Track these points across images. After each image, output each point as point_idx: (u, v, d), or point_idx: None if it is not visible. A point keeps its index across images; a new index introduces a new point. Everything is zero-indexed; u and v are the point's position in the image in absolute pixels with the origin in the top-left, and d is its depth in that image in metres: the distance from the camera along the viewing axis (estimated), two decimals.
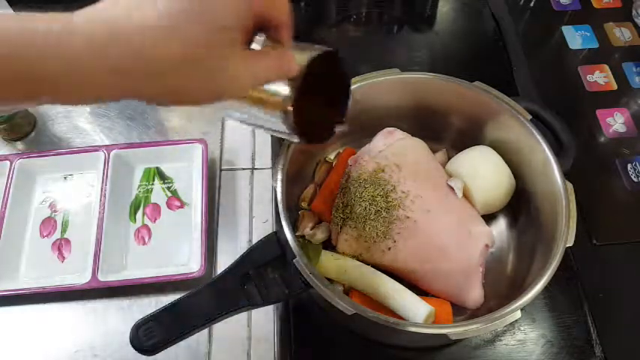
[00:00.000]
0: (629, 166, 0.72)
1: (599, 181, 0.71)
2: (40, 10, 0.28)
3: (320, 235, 0.62)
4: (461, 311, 0.59)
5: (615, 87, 0.80)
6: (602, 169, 0.72)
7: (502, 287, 0.61)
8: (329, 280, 0.56)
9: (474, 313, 0.58)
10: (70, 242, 0.67)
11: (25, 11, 0.28)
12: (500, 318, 0.48)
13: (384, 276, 0.57)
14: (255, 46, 0.34)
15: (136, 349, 0.48)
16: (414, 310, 0.55)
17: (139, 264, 0.65)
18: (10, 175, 0.68)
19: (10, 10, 0.77)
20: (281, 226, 0.52)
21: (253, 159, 0.75)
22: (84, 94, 0.29)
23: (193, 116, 0.77)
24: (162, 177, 0.71)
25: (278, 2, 0.34)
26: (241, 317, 0.62)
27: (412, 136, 0.63)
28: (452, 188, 0.60)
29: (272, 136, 0.76)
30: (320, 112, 0.43)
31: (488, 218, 0.65)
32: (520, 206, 0.64)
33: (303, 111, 0.36)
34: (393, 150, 0.60)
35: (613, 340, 0.61)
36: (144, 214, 0.69)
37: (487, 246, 0.57)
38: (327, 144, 0.69)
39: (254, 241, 0.67)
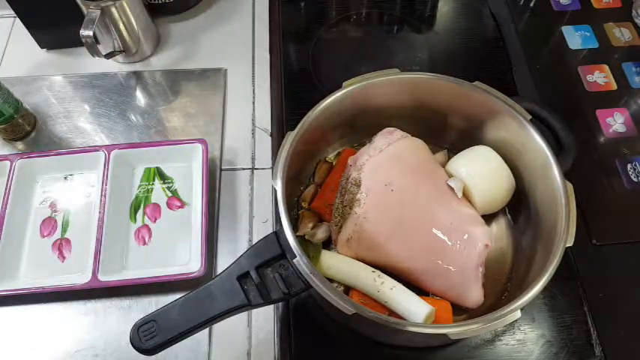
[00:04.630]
0: (629, 166, 0.73)
1: (599, 181, 0.71)
2: None
3: (320, 235, 0.62)
4: (461, 311, 0.59)
5: (615, 87, 0.80)
6: (602, 169, 0.72)
7: (502, 287, 0.61)
8: (329, 280, 0.56)
9: (474, 313, 0.58)
10: (70, 242, 0.67)
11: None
12: (500, 318, 0.48)
13: (385, 276, 0.58)
14: None
15: (136, 349, 0.49)
16: (414, 310, 0.55)
17: (139, 264, 0.65)
18: (11, 175, 0.68)
19: (10, 10, 0.77)
20: (281, 226, 0.52)
21: (253, 159, 0.75)
22: None
23: (193, 116, 0.78)
24: (163, 177, 0.71)
25: None
26: (241, 317, 0.62)
27: (412, 136, 0.63)
28: (452, 188, 0.60)
29: (272, 135, 0.76)
30: None
31: (488, 218, 0.65)
32: (520, 206, 0.64)
33: None
34: (393, 150, 0.60)
35: (613, 340, 0.61)
36: (144, 214, 0.69)
37: (487, 246, 0.57)
38: (326, 144, 0.69)
39: (254, 241, 0.67)
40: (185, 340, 0.50)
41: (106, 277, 0.61)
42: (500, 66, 0.83)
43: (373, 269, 0.58)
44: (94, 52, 0.73)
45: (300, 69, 0.83)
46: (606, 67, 0.82)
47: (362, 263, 0.59)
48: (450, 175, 0.63)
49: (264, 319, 0.63)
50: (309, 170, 0.69)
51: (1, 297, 0.61)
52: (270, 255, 0.52)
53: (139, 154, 0.71)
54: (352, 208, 0.57)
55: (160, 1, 0.84)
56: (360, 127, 0.68)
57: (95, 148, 0.70)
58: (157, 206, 0.69)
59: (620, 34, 0.86)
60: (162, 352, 0.49)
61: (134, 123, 0.77)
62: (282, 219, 0.52)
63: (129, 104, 0.79)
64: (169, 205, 0.69)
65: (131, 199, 0.70)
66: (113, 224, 0.65)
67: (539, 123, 0.61)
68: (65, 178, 0.71)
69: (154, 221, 0.68)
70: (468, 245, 0.57)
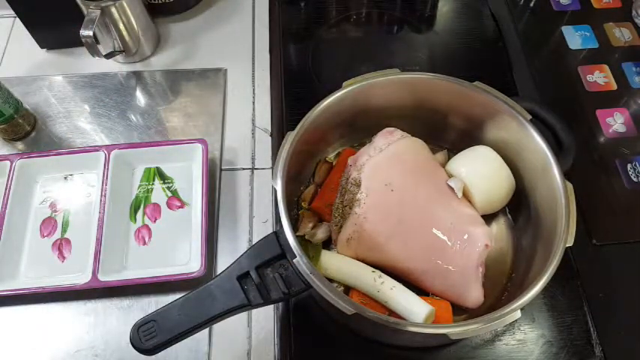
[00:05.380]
0: (629, 166, 0.73)
1: (599, 181, 0.71)
2: None
3: (320, 235, 0.62)
4: (461, 311, 0.59)
5: (615, 87, 0.80)
6: (602, 169, 0.72)
7: (502, 287, 0.61)
8: (329, 279, 0.56)
9: (474, 313, 0.58)
10: (70, 242, 0.67)
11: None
12: (500, 318, 0.48)
13: (385, 276, 0.58)
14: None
15: (136, 349, 0.49)
16: (414, 310, 0.55)
17: (139, 264, 0.65)
18: (11, 175, 0.68)
19: (10, 10, 0.77)
20: (281, 226, 0.52)
21: (253, 159, 0.75)
22: None
23: (193, 116, 0.78)
24: (163, 177, 0.71)
25: None
26: (241, 317, 0.62)
27: (412, 136, 0.63)
28: (452, 188, 0.60)
29: (272, 135, 0.76)
30: None
31: (488, 218, 0.65)
32: (520, 206, 0.64)
33: None
34: (393, 150, 0.60)
35: (613, 340, 0.61)
36: (144, 214, 0.69)
37: (487, 246, 0.57)
38: (326, 144, 0.69)
39: (254, 241, 0.67)
40: (185, 340, 0.49)
41: (106, 277, 0.61)
42: (500, 66, 0.83)
43: (373, 269, 0.58)
44: (94, 52, 0.73)
45: (300, 69, 0.83)
46: (606, 67, 0.82)
47: (362, 263, 0.59)
48: (450, 175, 0.63)
49: (264, 319, 0.63)
50: (309, 170, 0.69)
51: (1, 297, 0.61)
52: (270, 255, 0.52)
53: (139, 154, 0.71)
54: (352, 208, 0.57)
55: (160, 1, 0.84)
56: (360, 127, 0.68)
57: (95, 148, 0.70)
58: (156, 206, 0.69)
59: (620, 34, 0.86)
60: (163, 352, 0.49)
61: (134, 123, 0.77)
62: (282, 219, 0.52)
63: (129, 104, 0.79)
64: (169, 205, 0.69)
65: (131, 199, 0.70)
66: (113, 224, 0.65)
67: (539, 123, 0.61)
68: (65, 178, 0.71)
69: (154, 221, 0.68)
70: (468, 245, 0.57)
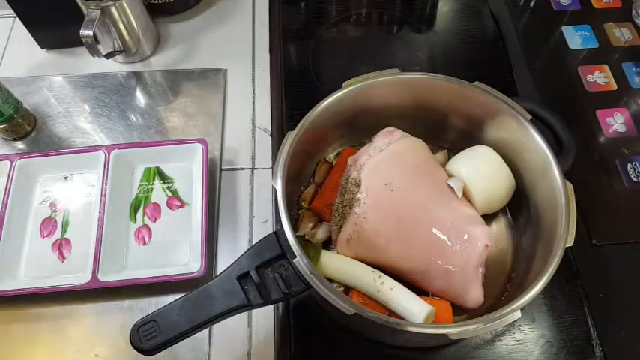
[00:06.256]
0: (629, 166, 0.73)
1: (599, 181, 0.71)
2: None
3: (320, 235, 0.62)
4: (461, 311, 0.59)
5: (615, 87, 0.80)
6: (602, 169, 0.72)
7: (502, 287, 0.61)
8: (329, 280, 0.56)
9: (474, 313, 0.58)
10: (70, 242, 0.67)
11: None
12: (500, 318, 0.48)
13: (385, 276, 0.58)
14: None
15: (136, 349, 0.49)
16: (414, 310, 0.55)
17: (139, 264, 0.65)
18: (11, 175, 0.68)
19: (10, 10, 0.77)
20: (281, 226, 0.52)
21: (253, 159, 0.75)
22: None
23: (193, 116, 0.78)
24: (163, 177, 0.71)
25: None
26: (241, 317, 0.62)
27: (412, 136, 0.63)
28: (452, 188, 0.60)
29: (272, 135, 0.76)
30: None
31: (488, 218, 0.65)
32: (520, 206, 0.64)
33: None
34: (393, 150, 0.60)
35: (613, 340, 0.61)
36: (144, 214, 0.69)
37: (487, 246, 0.57)
38: (326, 144, 0.69)
39: (254, 241, 0.67)
40: (185, 340, 0.50)
41: (106, 277, 0.61)
42: (500, 66, 0.83)
43: (373, 269, 0.58)
44: (94, 52, 0.73)
45: (300, 69, 0.83)
46: (606, 67, 0.82)
47: (362, 263, 0.59)
48: (450, 175, 0.63)
49: (264, 319, 0.63)
50: (309, 170, 0.69)
51: (1, 297, 0.61)
52: (270, 255, 0.52)
53: (139, 154, 0.71)
54: (352, 208, 0.57)
55: (160, 1, 0.84)
56: (360, 127, 0.68)
57: (95, 148, 0.70)
58: (157, 206, 0.69)
59: (620, 34, 0.86)
60: (163, 352, 0.49)
61: (134, 123, 0.77)
62: (282, 219, 0.52)
63: (129, 104, 0.79)
64: (169, 205, 0.69)
65: (131, 199, 0.70)
66: (113, 224, 0.65)
67: (539, 123, 0.61)
68: (65, 178, 0.71)
69: (154, 221, 0.68)
70: (467, 245, 0.57)
